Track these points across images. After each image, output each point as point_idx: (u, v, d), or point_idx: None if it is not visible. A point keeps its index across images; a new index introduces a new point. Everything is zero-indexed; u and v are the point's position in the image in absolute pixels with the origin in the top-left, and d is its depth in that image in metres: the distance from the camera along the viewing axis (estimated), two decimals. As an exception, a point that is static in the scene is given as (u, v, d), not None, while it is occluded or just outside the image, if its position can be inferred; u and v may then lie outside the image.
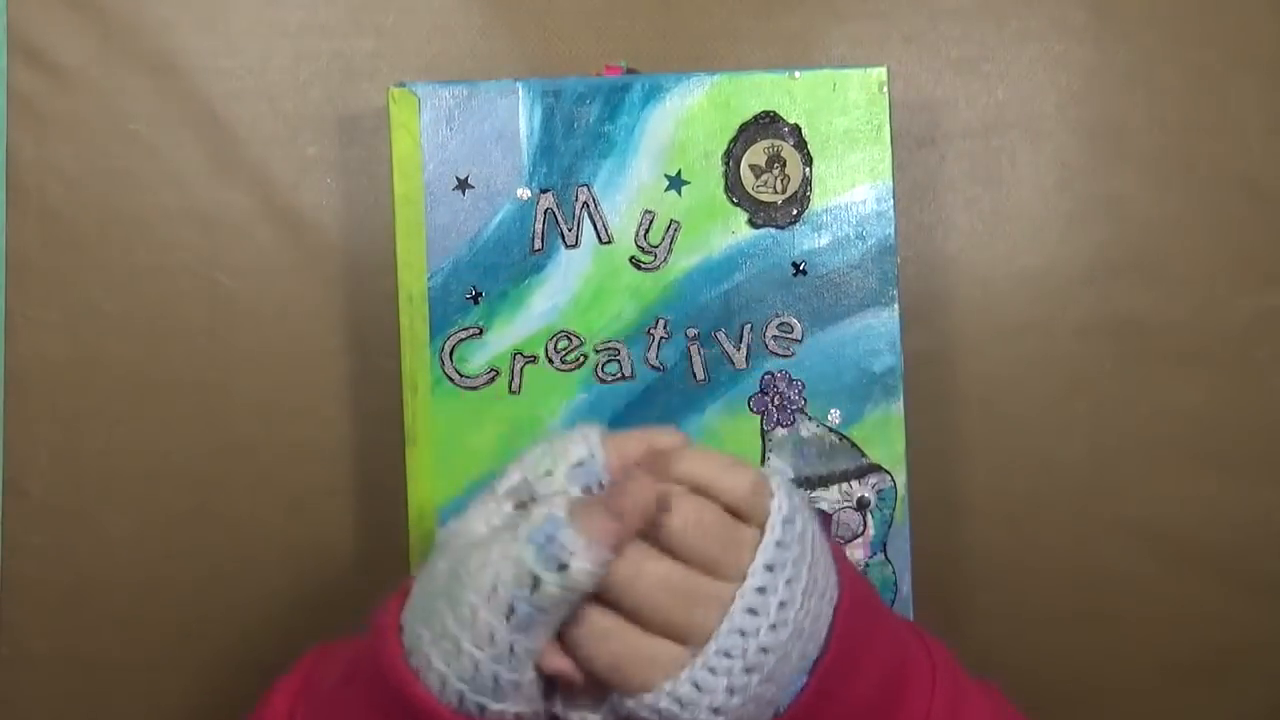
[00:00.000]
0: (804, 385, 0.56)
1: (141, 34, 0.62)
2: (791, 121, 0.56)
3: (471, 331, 0.56)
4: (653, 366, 0.56)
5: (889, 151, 0.56)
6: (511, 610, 0.38)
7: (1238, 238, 0.62)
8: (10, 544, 0.62)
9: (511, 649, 0.38)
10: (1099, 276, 0.62)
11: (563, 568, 0.38)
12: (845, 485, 0.56)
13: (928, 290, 0.62)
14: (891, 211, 0.56)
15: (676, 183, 0.56)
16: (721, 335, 0.56)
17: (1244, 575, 0.62)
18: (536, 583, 0.38)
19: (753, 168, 0.56)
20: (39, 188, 0.62)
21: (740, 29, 0.62)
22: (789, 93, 0.56)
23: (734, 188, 0.56)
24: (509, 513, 0.42)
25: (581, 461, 0.42)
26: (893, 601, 0.56)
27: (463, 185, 0.56)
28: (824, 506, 0.56)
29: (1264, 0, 0.62)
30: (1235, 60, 0.62)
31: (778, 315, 0.56)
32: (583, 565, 0.38)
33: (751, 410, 0.56)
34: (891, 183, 0.56)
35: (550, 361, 0.56)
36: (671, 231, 0.56)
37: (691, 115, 0.56)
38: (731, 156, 0.56)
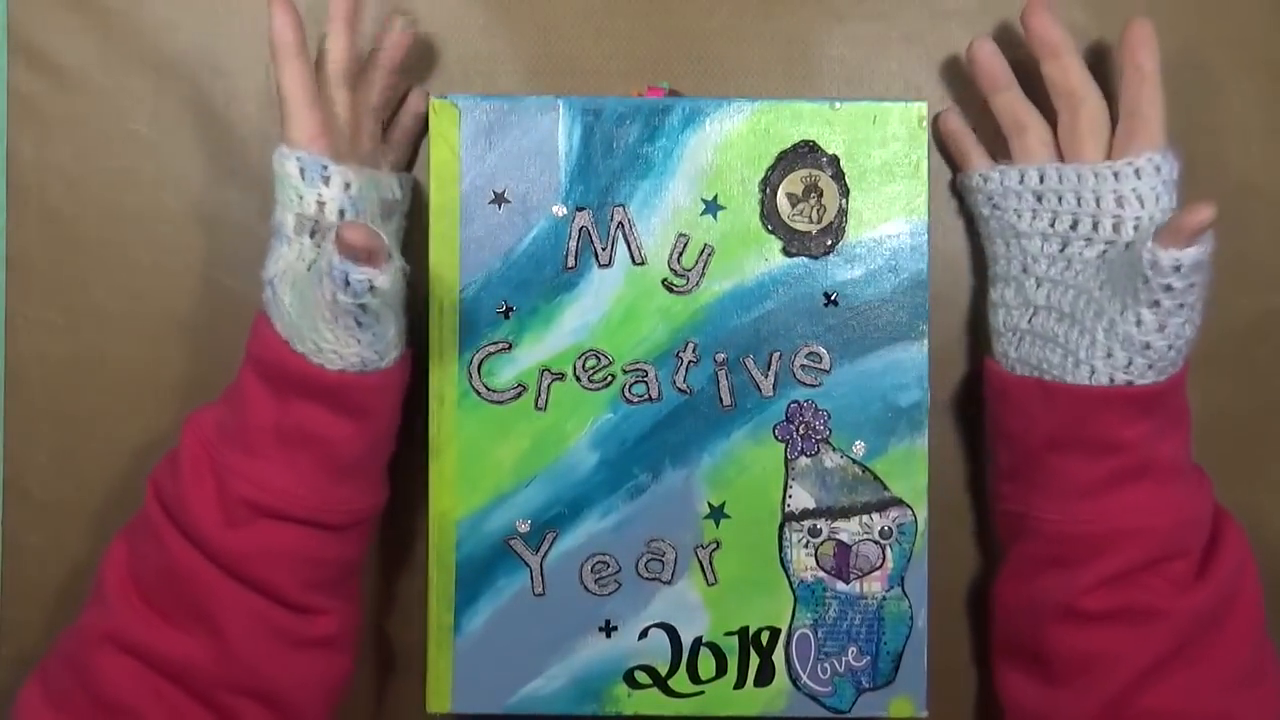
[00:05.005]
0: (829, 415, 0.56)
1: (142, 34, 0.62)
2: (830, 152, 0.56)
3: (501, 346, 0.56)
4: (680, 389, 0.56)
5: (926, 186, 0.56)
6: (359, 325, 0.50)
7: (1238, 238, 0.62)
8: (10, 544, 0.62)
9: (374, 335, 0.51)
10: None
11: (374, 289, 0.49)
12: (866, 518, 0.56)
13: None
14: (925, 246, 0.56)
15: (712, 207, 0.56)
16: (750, 362, 0.56)
17: None
18: (364, 308, 0.49)
19: (789, 196, 0.56)
20: (39, 188, 0.61)
21: (741, 29, 0.62)
22: (829, 123, 0.56)
23: (770, 215, 0.56)
24: (314, 249, 0.53)
25: (303, 170, 0.52)
26: (907, 635, 0.56)
27: (499, 199, 0.56)
28: (844, 538, 0.56)
29: (1264, 0, 0.62)
30: (1235, 61, 0.62)
31: (807, 345, 0.56)
32: (384, 279, 0.49)
33: (776, 438, 0.56)
34: (927, 217, 0.56)
35: (578, 380, 0.56)
36: (705, 256, 0.56)
37: (730, 141, 0.56)
38: (769, 184, 0.56)
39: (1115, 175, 0.54)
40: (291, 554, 0.52)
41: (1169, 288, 0.50)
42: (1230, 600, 0.53)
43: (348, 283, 0.48)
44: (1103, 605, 0.52)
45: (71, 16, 0.62)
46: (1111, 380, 0.52)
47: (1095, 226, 0.54)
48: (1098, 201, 0.54)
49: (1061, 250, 0.55)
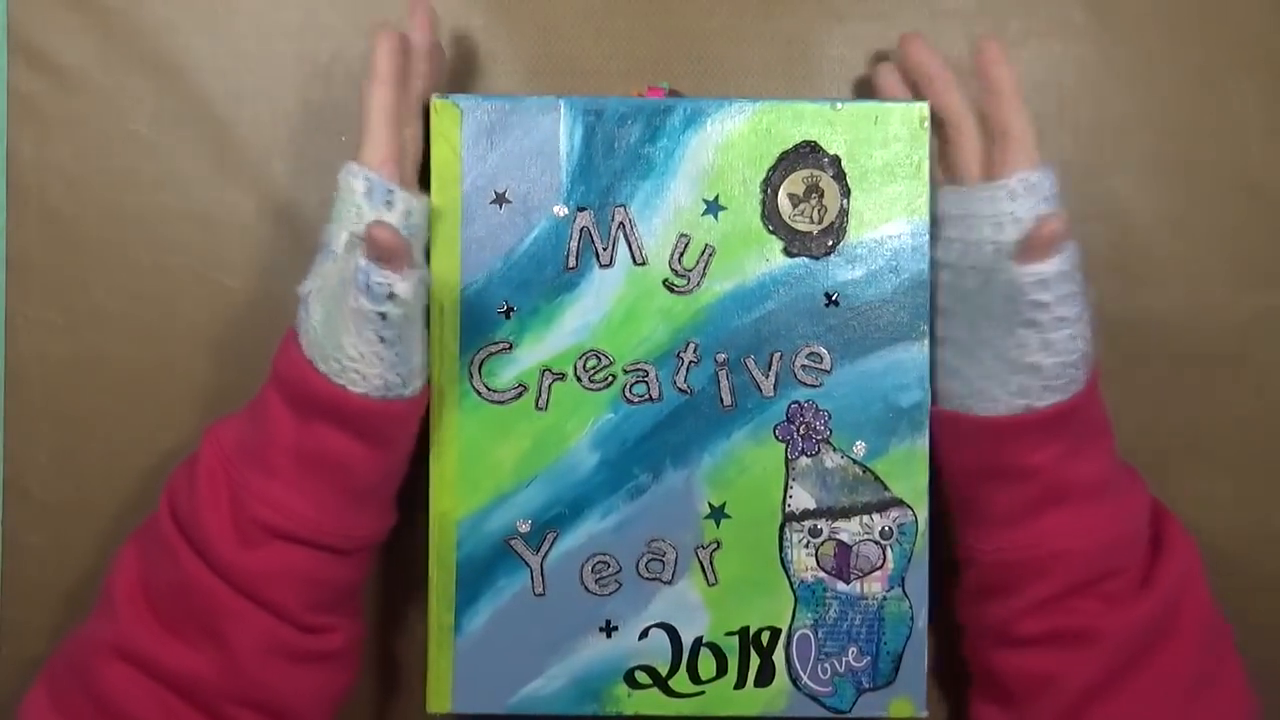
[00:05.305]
0: (830, 416, 0.56)
1: (142, 34, 0.62)
2: (832, 152, 0.56)
3: (501, 346, 0.56)
4: (680, 390, 0.56)
5: (927, 187, 0.56)
6: (380, 339, 0.50)
7: (1238, 238, 0.62)
8: (10, 544, 0.62)
9: (397, 355, 0.50)
10: (1099, 276, 0.62)
11: (393, 296, 0.49)
12: (866, 518, 0.56)
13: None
14: (926, 247, 0.56)
15: (714, 208, 0.56)
16: (750, 362, 0.56)
17: (1244, 575, 0.62)
18: (384, 315, 0.49)
19: (790, 196, 0.56)
20: (39, 188, 0.61)
21: (741, 29, 0.62)
22: (830, 123, 0.56)
23: (771, 216, 0.56)
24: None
25: (370, 190, 0.52)
26: (908, 636, 0.56)
27: (500, 199, 0.56)
28: (844, 538, 0.56)
29: (1264, 0, 0.62)
30: (1235, 60, 0.62)
31: (808, 345, 0.56)
32: (405, 285, 0.49)
33: (777, 438, 0.56)
34: (928, 218, 0.56)
35: (579, 380, 0.56)
36: (706, 256, 0.56)
37: (732, 141, 0.56)
38: (770, 184, 0.56)
39: (990, 199, 0.53)
40: (301, 576, 0.52)
41: (1040, 304, 0.49)
42: (1174, 612, 0.53)
43: (369, 286, 0.48)
44: (1035, 630, 0.52)
45: (71, 16, 0.62)
46: (1010, 407, 0.52)
47: (978, 253, 0.54)
48: (978, 227, 0.54)
49: (953, 280, 0.55)
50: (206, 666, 0.50)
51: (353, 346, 0.50)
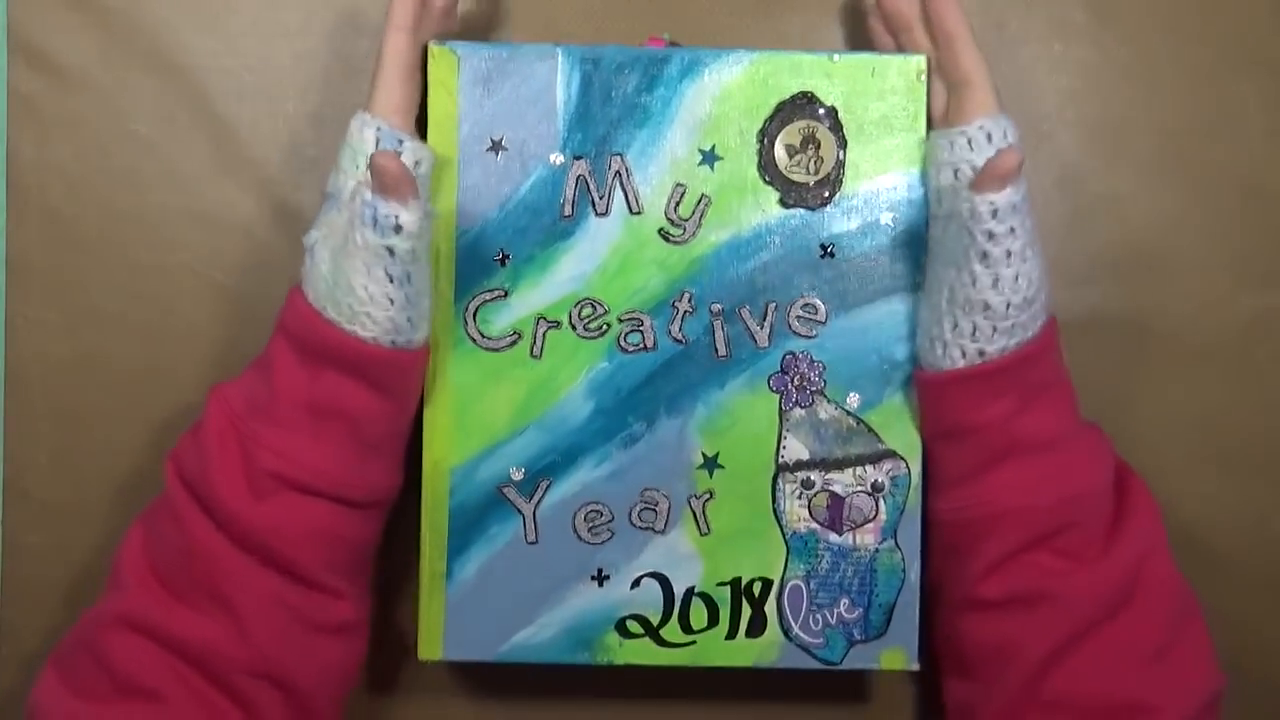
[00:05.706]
0: (824, 367, 0.56)
1: (142, 34, 0.62)
2: (828, 104, 0.56)
3: (496, 293, 0.56)
4: (675, 339, 0.56)
5: (923, 139, 0.56)
6: (390, 277, 0.49)
7: (1238, 238, 0.62)
8: (10, 544, 0.62)
9: (406, 298, 0.50)
10: (1099, 276, 0.63)
11: (399, 229, 0.48)
12: (860, 469, 0.56)
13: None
14: (923, 199, 0.56)
15: (710, 158, 0.56)
16: (745, 312, 0.56)
17: (1244, 575, 0.62)
18: (391, 250, 0.49)
19: (787, 147, 0.56)
20: (40, 188, 0.62)
21: (740, 30, 0.62)
22: (828, 75, 0.56)
23: (767, 166, 0.56)
24: None
25: (379, 139, 0.52)
26: (899, 588, 0.56)
27: (496, 147, 0.56)
28: (837, 490, 0.56)
29: (1264, 0, 0.62)
30: (1235, 60, 0.62)
31: (803, 296, 0.56)
32: (410, 217, 0.49)
33: (771, 389, 0.56)
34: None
35: (573, 328, 0.56)
36: (702, 206, 0.56)
37: (729, 92, 0.56)
38: (766, 135, 0.56)
39: (950, 144, 0.54)
40: (314, 529, 0.52)
41: (991, 234, 0.50)
42: (1137, 578, 0.52)
43: (375, 220, 0.48)
44: (998, 591, 0.52)
45: (71, 16, 0.62)
46: (964, 353, 0.52)
47: (939, 200, 0.54)
48: (938, 174, 0.54)
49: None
50: (216, 632, 0.50)
51: (362, 287, 0.50)
